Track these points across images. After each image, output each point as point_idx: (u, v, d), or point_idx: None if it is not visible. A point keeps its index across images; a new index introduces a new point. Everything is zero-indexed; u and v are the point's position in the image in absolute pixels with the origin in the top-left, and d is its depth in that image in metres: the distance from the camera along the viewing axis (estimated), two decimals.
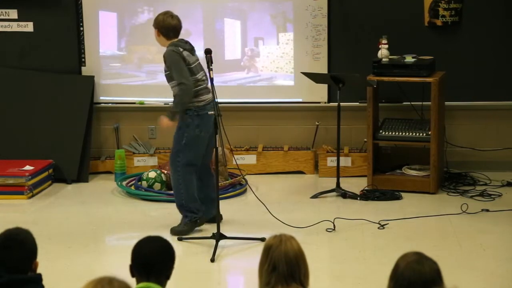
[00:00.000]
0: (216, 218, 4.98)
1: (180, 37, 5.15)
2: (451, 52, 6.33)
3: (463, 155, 6.47)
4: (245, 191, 6.09)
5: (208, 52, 5.05)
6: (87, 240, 5.15)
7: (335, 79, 5.88)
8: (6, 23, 6.49)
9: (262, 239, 4.87)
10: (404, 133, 6.08)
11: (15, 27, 6.50)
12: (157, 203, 5.82)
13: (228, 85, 6.49)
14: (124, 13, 6.49)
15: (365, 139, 6.21)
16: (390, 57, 6.16)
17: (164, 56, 5.06)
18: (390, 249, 4.81)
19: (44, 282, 2.85)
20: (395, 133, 6.09)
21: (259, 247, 3.21)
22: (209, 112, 4.94)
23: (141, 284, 2.76)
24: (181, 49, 5.03)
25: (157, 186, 6.01)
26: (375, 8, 6.36)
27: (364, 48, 6.31)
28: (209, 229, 5.10)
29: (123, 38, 6.56)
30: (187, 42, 5.13)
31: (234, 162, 6.02)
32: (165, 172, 5.94)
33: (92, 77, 6.52)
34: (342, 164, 6.13)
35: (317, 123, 6.56)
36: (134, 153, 6.58)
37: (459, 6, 6.32)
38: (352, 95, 6.28)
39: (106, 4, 6.50)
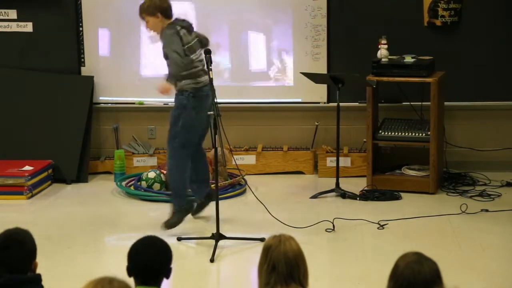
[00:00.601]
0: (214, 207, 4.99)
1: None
2: (450, 52, 6.33)
3: (462, 155, 6.47)
4: (244, 191, 6.09)
5: (207, 52, 5.04)
6: (87, 240, 5.15)
7: (335, 79, 5.89)
8: (6, 23, 6.49)
9: (262, 239, 4.87)
10: (403, 133, 6.08)
11: (14, 27, 6.50)
12: (156, 203, 5.82)
13: (228, 85, 6.49)
14: (123, 14, 6.48)
15: (365, 139, 6.21)
16: (390, 57, 6.16)
17: (162, 37, 5.03)
18: (390, 249, 4.81)
19: (44, 283, 2.84)
20: (394, 133, 6.09)
21: (259, 247, 3.21)
22: (209, 112, 4.93)
23: None
24: (179, 27, 5.02)
25: (156, 186, 6.01)
26: (375, 8, 6.36)
27: (363, 48, 6.31)
28: (209, 229, 5.10)
29: (123, 38, 6.55)
30: (184, 20, 5.10)
31: (234, 162, 6.03)
32: (165, 172, 5.93)
33: (92, 77, 6.52)
34: (341, 164, 6.13)
35: (316, 123, 6.56)
36: (133, 153, 6.58)
37: (458, 6, 6.32)
38: (352, 95, 6.28)
39: (106, 4, 6.50)
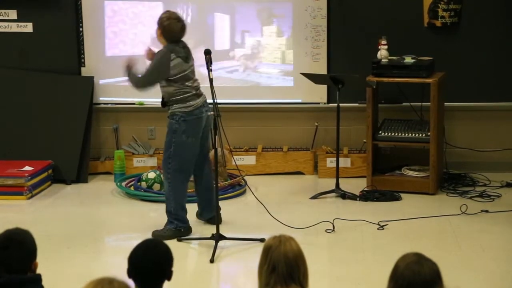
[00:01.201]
0: (216, 220, 4.98)
1: None
2: (450, 53, 6.33)
3: (462, 156, 6.47)
4: (244, 191, 6.09)
5: (207, 52, 5.04)
6: (87, 241, 5.14)
7: (335, 79, 5.88)
8: (6, 24, 6.49)
9: (262, 240, 4.87)
10: (403, 134, 6.08)
11: (14, 27, 6.50)
12: (156, 203, 5.82)
13: (227, 85, 6.49)
14: (123, 14, 6.48)
15: (365, 140, 6.21)
16: (390, 57, 6.16)
17: (157, 53, 5.06)
18: (390, 250, 4.81)
19: (44, 283, 2.84)
20: (394, 134, 6.09)
21: (259, 247, 3.21)
22: (209, 113, 4.93)
23: None
24: (174, 56, 5.00)
25: (156, 186, 6.01)
26: (375, 9, 6.36)
27: (363, 48, 6.31)
28: (209, 230, 5.10)
29: (123, 38, 6.55)
30: (185, 47, 5.09)
31: (234, 163, 6.03)
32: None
33: (92, 77, 6.52)
34: (341, 164, 6.13)
35: (316, 123, 6.56)
36: (133, 153, 6.58)
37: (458, 7, 6.33)
38: (352, 96, 6.28)
39: (106, 5, 6.49)
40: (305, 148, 6.61)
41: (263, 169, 6.57)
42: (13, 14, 6.48)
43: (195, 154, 5.11)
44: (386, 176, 6.15)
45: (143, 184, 6.05)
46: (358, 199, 5.87)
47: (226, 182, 6.10)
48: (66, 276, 4.53)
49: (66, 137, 6.40)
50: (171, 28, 5.02)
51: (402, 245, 4.86)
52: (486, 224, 5.33)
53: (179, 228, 5.09)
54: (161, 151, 6.51)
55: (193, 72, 5.12)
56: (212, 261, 4.74)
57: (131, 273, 2.78)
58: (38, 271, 2.85)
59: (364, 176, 6.15)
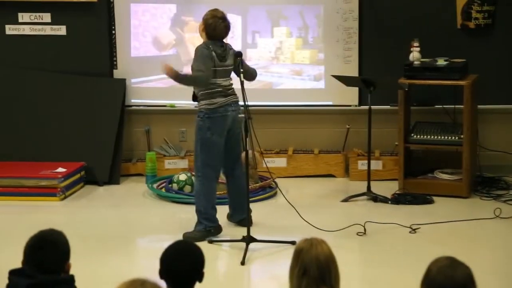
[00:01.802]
0: (246, 222, 4.98)
1: None
2: (484, 55, 6.27)
3: (496, 159, 6.40)
4: (275, 194, 6.09)
5: (238, 55, 5.05)
6: (119, 242, 5.18)
7: (366, 82, 5.86)
8: (40, 27, 6.57)
9: (293, 243, 4.86)
10: (436, 137, 6.03)
11: (48, 30, 6.57)
12: (187, 205, 5.83)
13: (259, 88, 6.49)
14: (155, 17, 6.53)
15: (396, 143, 6.17)
16: (422, 60, 6.11)
17: (196, 49, 5.08)
18: (422, 254, 4.77)
19: (77, 284, 2.86)
20: (426, 137, 6.05)
21: (290, 250, 3.20)
22: (240, 115, 4.94)
23: None
24: (211, 48, 5.04)
25: (187, 188, 6.03)
26: (407, 11, 6.32)
27: (395, 51, 6.27)
28: (239, 232, 5.10)
29: (155, 41, 6.59)
30: (222, 46, 5.11)
31: (264, 165, 6.02)
32: None
33: (124, 80, 6.57)
34: (373, 167, 6.10)
35: (347, 126, 6.53)
36: (164, 155, 6.61)
37: (492, 8, 6.26)
38: (383, 98, 6.25)
39: (138, 8, 6.54)
40: (336, 150, 6.59)
41: (294, 172, 6.56)
42: (47, 17, 6.56)
43: (221, 152, 5.12)
44: (418, 179, 6.10)
45: (174, 186, 6.08)
46: (389, 202, 5.83)
47: (257, 185, 6.11)
48: (99, 277, 4.56)
49: (99, 139, 6.45)
50: (214, 27, 5.05)
51: (434, 249, 4.81)
52: None
53: (208, 228, 5.11)
54: (192, 153, 6.54)
55: (227, 72, 5.13)
56: (243, 263, 4.74)
57: (163, 274, 2.79)
58: (71, 272, 2.88)
59: (396, 179, 6.11)
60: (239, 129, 5.12)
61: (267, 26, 6.50)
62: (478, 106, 6.16)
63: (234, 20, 6.41)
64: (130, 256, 5.05)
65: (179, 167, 6.50)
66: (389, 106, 6.36)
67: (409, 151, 6.20)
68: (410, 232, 5.21)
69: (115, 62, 6.59)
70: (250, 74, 5.22)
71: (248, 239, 4.88)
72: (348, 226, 5.23)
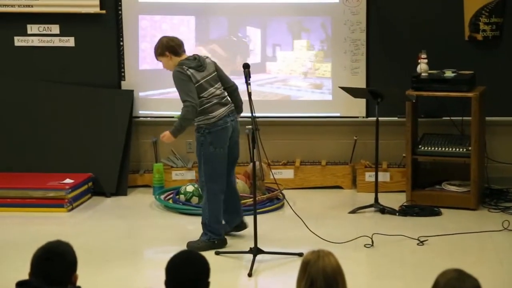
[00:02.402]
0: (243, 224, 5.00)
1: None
2: (491, 67, 6.26)
3: (504, 170, 6.38)
4: (282, 205, 6.08)
5: (246, 66, 5.06)
6: (126, 253, 5.18)
7: (374, 93, 5.86)
8: (49, 38, 6.60)
9: (300, 254, 4.85)
10: (443, 148, 6.01)
11: (57, 42, 6.60)
12: (194, 217, 5.83)
13: (266, 99, 6.50)
14: (163, 29, 6.55)
15: (404, 154, 6.16)
16: (430, 71, 6.10)
17: (173, 76, 5.08)
18: (430, 266, 4.75)
19: None
20: (434, 148, 6.03)
21: (297, 262, 3.19)
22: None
23: None
24: (186, 68, 5.03)
25: (194, 200, 6.03)
26: (414, 23, 6.32)
27: (403, 62, 6.27)
28: (246, 243, 5.09)
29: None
30: (195, 59, 5.11)
31: (272, 177, 6.01)
32: None
33: (132, 91, 6.59)
34: (380, 179, 6.09)
35: (355, 137, 6.53)
36: (172, 167, 6.62)
37: (500, 20, 6.26)
38: (391, 110, 6.24)
39: (146, 19, 6.57)
40: (344, 162, 6.58)
41: (301, 183, 6.55)
42: (55, 28, 6.59)
43: (225, 163, 5.13)
44: (426, 191, 6.08)
45: (182, 197, 6.08)
46: (397, 214, 5.81)
47: (264, 196, 6.10)
48: None
49: (106, 150, 6.46)
50: (172, 42, 5.10)
51: (442, 261, 4.79)
52: None
53: (212, 240, 5.11)
54: None
55: (214, 80, 5.12)
56: (250, 275, 4.73)
57: (168, 284, 2.79)
58: (78, 283, 2.87)
59: (404, 191, 6.09)
60: (237, 136, 5.13)
61: (288, 38, 6.48)
62: (486, 118, 6.14)
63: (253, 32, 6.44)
64: (137, 268, 5.04)
65: (186, 179, 6.50)
66: (396, 118, 6.35)
67: (417, 162, 6.19)
68: (417, 244, 5.19)
69: (123, 74, 6.61)
70: (239, 107, 5.21)
71: (255, 251, 4.88)
72: (356, 238, 5.21)
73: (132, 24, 6.55)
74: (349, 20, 6.39)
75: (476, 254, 5.06)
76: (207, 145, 5.05)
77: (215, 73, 5.15)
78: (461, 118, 6.18)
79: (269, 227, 5.52)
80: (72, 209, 6.08)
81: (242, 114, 5.30)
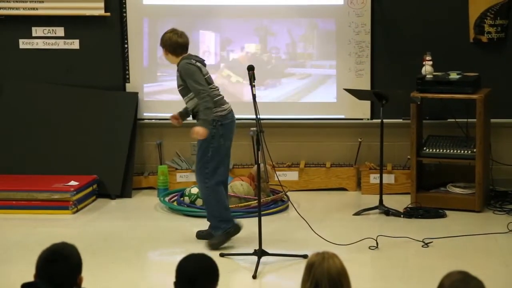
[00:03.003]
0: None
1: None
2: (496, 69, 6.25)
3: (509, 173, 6.37)
4: (287, 207, 6.08)
5: (250, 68, 5.07)
6: (131, 255, 5.18)
7: (378, 95, 5.85)
8: (53, 41, 6.62)
9: (305, 256, 4.84)
10: (448, 150, 6.01)
11: (61, 44, 6.62)
12: (199, 218, 5.82)
13: (271, 101, 6.49)
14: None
15: (409, 156, 6.15)
16: (434, 73, 6.10)
17: (179, 71, 5.10)
18: (435, 268, 4.74)
19: None
20: (439, 150, 6.03)
21: (301, 264, 3.19)
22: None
23: None
24: (194, 61, 5.09)
25: (199, 202, 6.02)
26: (419, 24, 6.32)
27: (407, 64, 6.27)
28: (251, 245, 5.09)
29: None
30: (197, 56, 5.20)
31: (276, 179, 6.01)
32: None
33: (136, 93, 6.60)
34: (385, 181, 6.08)
35: (359, 139, 6.52)
36: (176, 169, 6.62)
37: (505, 22, 6.25)
38: (396, 112, 6.23)
39: (151, 22, 6.58)
40: (348, 164, 6.57)
41: (305, 185, 6.55)
42: (60, 31, 6.60)
43: (228, 156, 5.16)
44: (430, 193, 6.07)
45: (186, 199, 6.08)
46: (402, 216, 5.81)
47: (269, 198, 6.10)
48: None
49: (111, 152, 6.47)
50: (174, 40, 5.12)
51: (447, 263, 4.78)
52: None
53: (227, 230, 5.13)
54: None
55: (210, 79, 5.18)
56: (254, 277, 4.73)
57: (177, 285, 2.79)
58: (83, 285, 2.88)
59: (408, 193, 6.09)
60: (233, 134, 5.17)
61: (290, 40, 6.50)
62: (491, 120, 6.13)
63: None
64: (142, 270, 5.05)
65: (191, 181, 6.50)
66: (401, 120, 6.35)
67: (422, 164, 6.18)
68: (422, 246, 5.19)
69: (127, 76, 6.62)
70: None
71: (260, 253, 4.88)
72: (360, 240, 5.21)
73: (136, 26, 6.56)
74: (353, 22, 6.38)
75: (481, 257, 5.05)
76: (218, 137, 5.06)
77: (209, 74, 5.20)
78: (466, 120, 6.17)
79: (274, 229, 5.52)
80: (77, 211, 6.09)
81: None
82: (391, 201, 5.99)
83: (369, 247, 5.16)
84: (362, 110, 6.45)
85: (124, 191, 6.43)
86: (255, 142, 4.90)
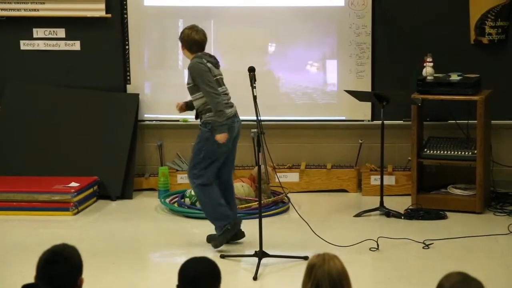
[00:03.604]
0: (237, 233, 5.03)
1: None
2: (497, 70, 6.25)
3: (510, 174, 6.37)
4: (287, 209, 6.08)
5: (251, 70, 5.07)
6: (131, 257, 5.18)
7: (379, 97, 5.85)
8: (54, 42, 6.62)
9: (305, 258, 4.84)
10: (449, 152, 6.01)
11: (62, 45, 6.62)
12: (200, 220, 5.83)
13: (271, 102, 6.49)
14: (168, 33, 6.56)
15: (409, 158, 6.15)
16: (435, 75, 6.10)
17: (189, 68, 5.10)
18: (435, 269, 4.74)
19: None
20: (440, 152, 6.03)
21: (302, 265, 3.20)
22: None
23: None
24: (205, 61, 5.07)
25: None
26: (420, 26, 6.32)
27: (408, 66, 6.27)
28: (252, 247, 5.09)
29: (168, 56, 6.63)
30: (211, 56, 5.17)
31: (277, 180, 6.02)
32: None
33: (137, 94, 6.60)
34: (385, 182, 6.08)
35: (360, 141, 6.53)
36: (177, 170, 6.63)
37: (506, 24, 6.25)
38: (396, 113, 6.24)
39: (152, 23, 6.59)
40: (349, 165, 6.58)
41: (306, 187, 6.55)
42: (61, 32, 6.61)
43: (221, 163, 5.14)
44: (431, 194, 6.07)
45: (187, 200, 6.08)
46: (402, 217, 5.81)
47: (270, 199, 6.10)
48: None
49: (112, 153, 6.47)
50: (191, 37, 5.11)
51: (447, 265, 4.78)
52: None
53: (224, 227, 5.13)
54: None
55: (222, 81, 5.17)
56: (255, 278, 4.73)
57: (181, 287, 2.80)
58: (84, 286, 2.88)
59: (409, 194, 6.09)
60: (238, 139, 5.15)
61: (291, 41, 6.51)
62: (492, 121, 6.13)
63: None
64: (142, 271, 5.04)
65: None
66: (402, 121, 6.35)
67: (422, 166, 6.18)
68: (423, 247, 5.19)
69: (128, 77, 6.63)
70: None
71: (261, 254, 4.88)
72: (361, 242, 5.21)
73: (137, 27, 6.57)
74: (354, 23, 6.39)
75: (482, 258, 5.05)
76: (213, 141, 5.05)
77: (222, 76, 5.17)
78: (466, 121, 6.17)
79: (274, 230, 5.52)
80: (78, 212, 6.09)
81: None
82: (391, 203, 5.99)
83: (370, 249, 5.16)
84: (362, 111, 6.45)
85: (125, 193, 6.44)
86: (255, 144, 4.90)
